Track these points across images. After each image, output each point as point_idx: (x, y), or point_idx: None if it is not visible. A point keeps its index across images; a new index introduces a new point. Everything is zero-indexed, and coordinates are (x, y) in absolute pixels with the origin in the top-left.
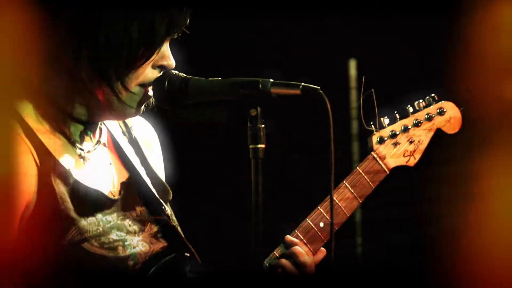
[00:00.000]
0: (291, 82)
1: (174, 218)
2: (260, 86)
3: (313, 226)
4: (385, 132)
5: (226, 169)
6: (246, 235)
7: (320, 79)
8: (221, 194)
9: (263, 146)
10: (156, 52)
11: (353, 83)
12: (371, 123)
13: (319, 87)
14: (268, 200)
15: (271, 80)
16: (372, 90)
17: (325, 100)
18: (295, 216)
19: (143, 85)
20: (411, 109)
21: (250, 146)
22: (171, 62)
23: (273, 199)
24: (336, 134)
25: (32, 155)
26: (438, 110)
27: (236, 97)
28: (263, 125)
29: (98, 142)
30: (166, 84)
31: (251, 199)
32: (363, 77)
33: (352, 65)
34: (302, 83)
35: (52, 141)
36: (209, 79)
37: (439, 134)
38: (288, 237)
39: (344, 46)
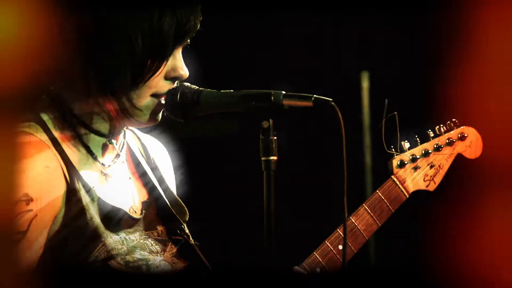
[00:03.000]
0: (303, 94)
1: (191, 238)
2: (272, 98)
3: (332, 249)
4: (406, 156)
5: (238, 181)
6: (260, 248)
7: (332, 91)
8: (233, 206)
9: (275, 158)
10: (164, 64)
11: (365, 95)
12: (392, 146)
13: (331, 99)
14: (280, 212)
15: (283, 92)
16: (395, 113)
17: (337, 112)
18: (309, 230)
19: (156, 96)
20: (432, 134)
21: (262, 158)
22: (183, 72)
23: (286, 210)
24: (348, 145)
25: (62, 168)
26: (459, 135)
27: (248, 109)
28: (275, 137)
29: (118, 155)
30: (178, 97)
31: (263, 212)
32: (386, 100)
33: (365, 77)
34: (314, 95)
35: (76, 156)
36: (221, 91)
37: (459, 159)
38: (296, 268)
39: (356, 58)
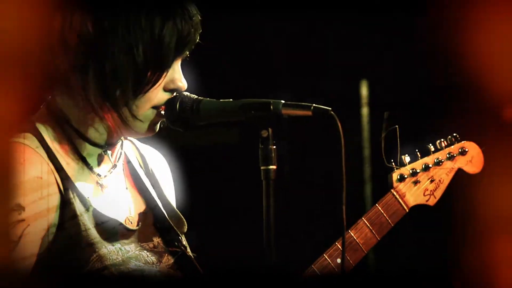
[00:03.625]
0: (303, 103)
1: (189, 249)
2: (272, 107)
3: (330, 262)
4: (406, 170)
5: (237, 190)
6: (259, 258)
7: (331, 100)
8: (232, 215)
9: (274, 167)
10: (164, 75)
11: (364, 103)
12: (392, 160)
13: (330, 108)
14: (280, 222)
15: (282, 101)
16: (396, 126)
17: (336, 121)
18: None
19: (155, 107)
20: (432, 148)
21: (262, 167)
22: (182, 84)
23: (285, 220)
24: (347, 155)
25: (56, 179)
26: (460, 150)
27: (248, 118)
28: (274, 146)
29: (115, 166)
30: (177, 106)
31: (262, 221)
32: (386, 113)
33: (364, 86)
34: (314, 104)
35: (71, 166)
36: (220, 100)
37: (460, 173)
38: None
39: (355, 66)
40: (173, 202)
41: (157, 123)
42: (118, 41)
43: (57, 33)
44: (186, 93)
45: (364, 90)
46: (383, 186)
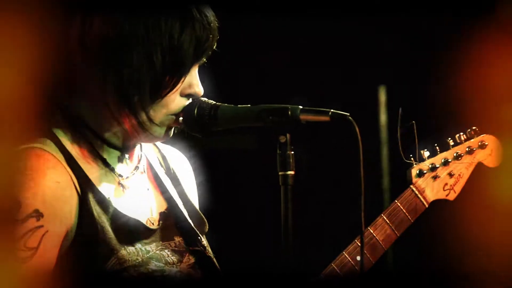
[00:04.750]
0: (320, 109)
1: (209, 249)
2: (289, 112)
3: (350, 260)
4: (425, 165)
5: (255, 196)
6: (278, 261)
7: (350, 106)
8: (251, 220)
9: (292, 172)
10: (182, 80)
11: (383, 109)
12: (411, 155)
13: (348, 114)
14: (299, 227)
15: (300, 106)
16: (413, 122)
17: (354, 127)
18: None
19: (171, 113)
20: (451, 142)
21: (280, 173)
22: (198, 90)
23: (304, 226)
24: (366, 161)
25: (74, 183)
26: (479, 144)
27: (265, 124)
28: (292, 152)
29: (137, 167)
30: (195, 112)
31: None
32: (400, 109)
33: (382, 92)
34: (332, 110)
35: (91, 168)
36: (238, 106)
37: (479, 167)
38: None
39: (374, 72)
40: (195, 201)
41: (172, 128)
42: (137, 46)
43: (76, 38)
44: (204, 99)
45: (382, 96)
46: (402, 182)
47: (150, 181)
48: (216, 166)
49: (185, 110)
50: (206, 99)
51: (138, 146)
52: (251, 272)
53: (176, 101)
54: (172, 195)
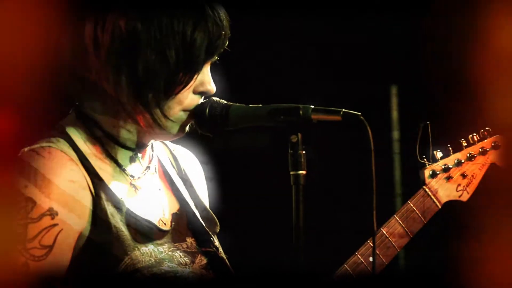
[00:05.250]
0: (332, 108)
1: (221, 250)
2: (301, 112)
3: (362, 261)
4: (438, 166)
5: (266, 195)
6: (289, 261)
7: (362, 105)
8: (262, 221)
9: (304, 172)
10: (195, 77)
11: (394, 109)
12: (424, 156)
13: (360, 113)
14: (311, 227)
15: (312, 106)
16: (428, 122)
17: (366, 126)
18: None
19: (185, 110)
20: (464, 143)
21: (291, 172)
22: (211, 87)
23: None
24: (377, 160)
25: (87, 182)
26: (492, 144)
27: (277, 124)
28: (304, 151)
29: (148, 167)
30: (207, 111)
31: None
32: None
33: (394, 91)
34: (343, 109)
35: (104, 168)
36: (250, 105)
37: (492, 168)
38: None
39: (385, 72)
40: (205, 201)
41: (186, 125)
42: (150, 43)
43: (90, 36)
44: (215, 99)
45: (394, 95)
46: (414, 187)
47: (162, 181)
48: (227, 166)
49: (197, 110)
50: (217, 99)
51: (149, 146)
52: (263, 273)
53: (189, 98)
54: (184, 195)
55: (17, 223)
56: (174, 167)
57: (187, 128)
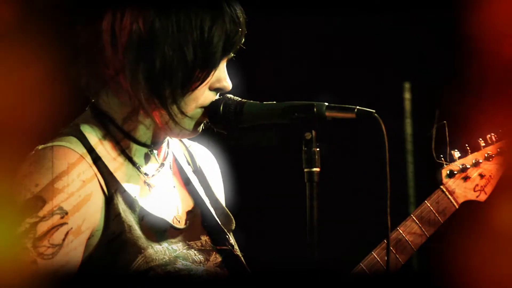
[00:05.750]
0: (346, 106)
1: (237, 247)
2: (315, 109)
3: (379, 260)
4: (456, 166)
5: (280, 193)
6: (303, 259)
7: (375, 102)
8: (277, 218)
9: (318, 169)
10: (212, 73)
11: (408, 106)
12: (441, 156)
13: (374, 111)
14: (324, 225)
15: (326, 103)
16: (445, 122)
17: (380, 124)
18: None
19: (201, 107)
20: (482, 143)
21: (305, 170)
22: (227, 84)
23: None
24: (392, 158)
25: (99, 182)
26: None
27: (291, 121)
28: (318, 149)
29: (162, 164)
30: (221, 108)
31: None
32: (436, 110)
33: (407, 88)
34: (357, 107)
35: (117, 167)
36: (264, 102)
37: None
38: None
39: (399, 68)
40: (221, 199)
41: (202, 122)
42: (168, 39)
43: (107, 32)
44: (229, 96)
45: (407, 92)
46: (429, 185)
47: (176, 178)
48: (242, 163)
49: (211, 107)
50: (231, 96)
51: (165, 143)
52: (278, 270)
53: (205, 95)
54: (199, 193)
55: (27, 221)
56: (189, 164)
57: (201, 126)
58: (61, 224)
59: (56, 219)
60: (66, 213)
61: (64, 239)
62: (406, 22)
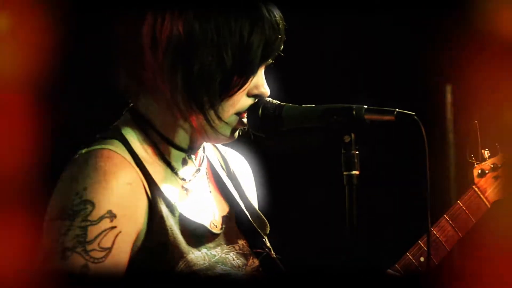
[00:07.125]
0: (385, 108)
1: (273, 251)
2: (354, 112)
3: (414, 261)
4: (487, 165)
5: (319, 196)
6: (342, 262)
7: (416, 105)
8: (314, 221)
9: (357, 172)
10: (250, 80)
11: (449, 109)
12: (472, 155)
13: (414, 113)
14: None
15: (365, 106)
16: (476, 122)
17: (420, 127)
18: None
19: (238, 113)
20: None
21: (344, 173)
22: (265, 90)
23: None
24: (432, 161)
25: (143, 185)
26: None
27: (330, 124)
28: (357, 152)
29: (198, 170)
30: (260, 112)
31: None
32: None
33: (449, 91)
34: (397, 109)
35: (157, 171)
36: (302, 106)
37: None
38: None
39: (440, 71)
40: (255, 203)
41: (238, 129)
42: (207, 44)
43: (147, 36)
44: (268, 99)
45: (449, 95)
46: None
47: (211, 183)
48: (277, 167)
49: (250, 110)
50: (270, 99)
51: (201, 148)
52: (316, 273)
53: (242, 101)
54: (234, 197)
55: (77, 225)
56: (223, 169)
57: (237, 133)
58: (111, 228)
59: (106, 222)
60: (115, 216)
61: (113, 243)
62: (448, 24)
